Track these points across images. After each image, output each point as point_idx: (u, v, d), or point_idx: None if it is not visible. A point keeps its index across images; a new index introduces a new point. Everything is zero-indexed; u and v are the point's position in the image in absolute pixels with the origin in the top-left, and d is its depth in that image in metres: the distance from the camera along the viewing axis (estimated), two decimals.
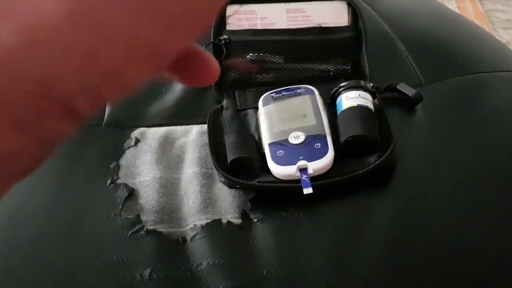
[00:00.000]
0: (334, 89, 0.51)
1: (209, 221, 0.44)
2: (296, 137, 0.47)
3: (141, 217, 0.44)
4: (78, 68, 0.14)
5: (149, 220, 0.44)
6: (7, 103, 0.14)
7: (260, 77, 0.55)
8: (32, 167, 0.16)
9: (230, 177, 0.45)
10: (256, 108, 0.52)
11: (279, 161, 0.45)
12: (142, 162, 0.49)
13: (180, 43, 0.16)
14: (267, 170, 0.46)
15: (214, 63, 0.21)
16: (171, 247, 0.42)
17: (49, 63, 0.14)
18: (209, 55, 0.21)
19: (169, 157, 0.50)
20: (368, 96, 0.50)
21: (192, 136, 0.51)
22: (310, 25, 0.56)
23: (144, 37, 0.15)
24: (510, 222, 0.43)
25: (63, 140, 0.16)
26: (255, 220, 0.44)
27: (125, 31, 0.14)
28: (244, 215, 0.44)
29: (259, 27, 0.56)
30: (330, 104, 0.51)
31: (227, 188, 0.46)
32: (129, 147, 0.50)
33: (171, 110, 0.54)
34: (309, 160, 0.45)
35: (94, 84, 0.15)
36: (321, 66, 0.55)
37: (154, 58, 0.15)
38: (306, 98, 0.51)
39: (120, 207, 0.45)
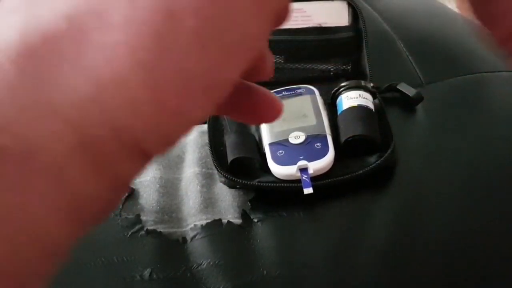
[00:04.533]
0: (335, 89, 0.51)
1: (209, 221, 0.44)
2: (297, 137, 0.47)
3: (141, 217, 0.44)
4: (146, 114, 0.15)
5: (149, 220, 0.44)
6: (86, 145, 0.14)
7: None
8: (104, 211, 0.16)
9: (230, 177, 0.45)
10: None
11: (279, 161, 0.45)
12: None
13: (235, 73, 0.16)
14: (268, 170, 0.46)
15: (275, 98, 0.21)
16: (171, 247, 0.42)
17: (119, 111, 0.14)
18: (268, 92, 0.22)
19: (169, 157, 0.50)
20: (368, 96, 0.50)
21: (192, 136, 0.51)
22: (310, 25, 0.56)
23: (201, 71, 0.15)
24: (510, 221, 0.43)
25: (132, 181, 0.16)
26: (255, 220, 0.44)
27: (202, 73, 0.15)
28: (244, 215, 0.44)
29: None
30: (331, 104, 0.51)
31: (227, 188, 0.46)
32: None
33: None
34: (310, 160, 0.45)
35: (160, 126, 0.15)
36: (321, 66, 0.55)
37: (212, 91, 0.15)
38: (306, 98, 0.51)
39: (120, 207, 0.45)
